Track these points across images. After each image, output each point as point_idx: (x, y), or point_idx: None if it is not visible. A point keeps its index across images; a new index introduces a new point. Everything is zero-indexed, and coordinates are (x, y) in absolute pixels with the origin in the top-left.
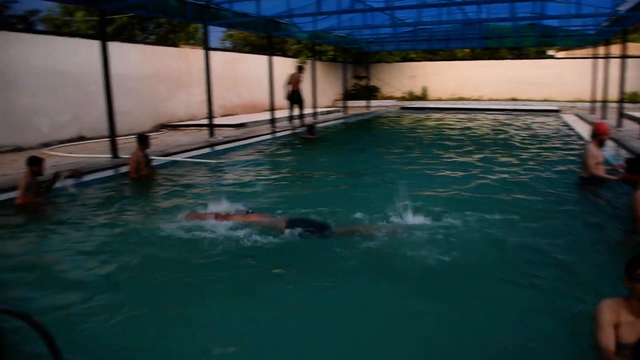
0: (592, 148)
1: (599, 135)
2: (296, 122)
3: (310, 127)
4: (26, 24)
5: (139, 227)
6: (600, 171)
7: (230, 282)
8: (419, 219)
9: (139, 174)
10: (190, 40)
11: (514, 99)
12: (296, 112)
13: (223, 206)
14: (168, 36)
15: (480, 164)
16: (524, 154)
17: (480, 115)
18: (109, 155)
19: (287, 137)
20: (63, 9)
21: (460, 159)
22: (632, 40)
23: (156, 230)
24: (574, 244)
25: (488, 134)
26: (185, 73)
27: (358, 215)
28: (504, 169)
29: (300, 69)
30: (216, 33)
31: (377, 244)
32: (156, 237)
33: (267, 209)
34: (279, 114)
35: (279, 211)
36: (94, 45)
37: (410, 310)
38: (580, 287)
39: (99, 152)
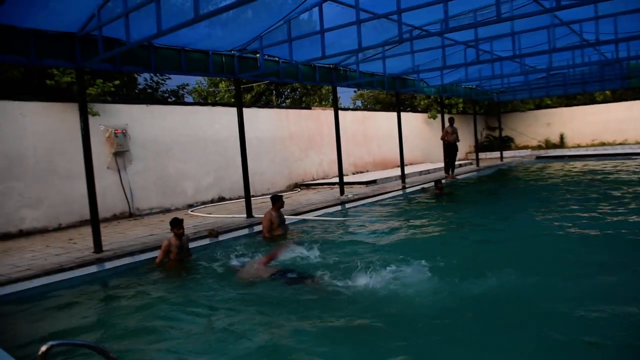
0: None
1: None
2: (451, 173)
3: (437, 182)
4: (176, 97)
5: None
6: None
7: None
8: None
9: (272, 234)
10: (323, 102)
11: None
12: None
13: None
14: (302, 99)
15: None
16: None
17: (624, 162)
18: (243, 215)
19: (417, 193)
20: (209, 81)
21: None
22: None
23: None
24: None
25: (623, 181)
26: (317, 133)
27: None
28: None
29: (451, 121)
30: (348, 93)
31: None
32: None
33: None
34: (409, 169)
35: None
36: (232, 112)
37: None
38: None
39: (235, 212)
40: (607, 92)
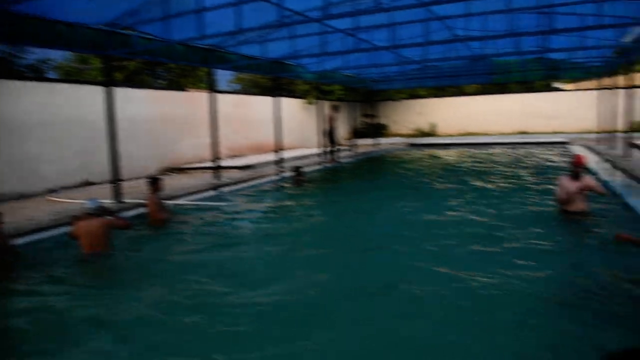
0: (563, 179)
1: (573, 168)
2: (333, 156)
3: (297, 170)
4: (37, 72)
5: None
6: (567, 200)
7: None
8: None
9: (158, 218)
10: (199, 83)
11: (523, 132)
12: (331, 148)
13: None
14: (178, 80)
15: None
16: (531, 185)
17: (487, 150)
18: (111, 201)
19: (290, 179)
20: (78, 56)
21: (461, 194)
22: (638, 71)
23: None
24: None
25: (494, 167)
26: (193, 116)
27: None
28: (502, 201)
29: (334, 108)
30: (225, 76)
31: None
32: None
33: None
34: (285, 154)
35: None
36: (102, 91)
37: None
38: None
39: (102, 197)
40: (476, 85)
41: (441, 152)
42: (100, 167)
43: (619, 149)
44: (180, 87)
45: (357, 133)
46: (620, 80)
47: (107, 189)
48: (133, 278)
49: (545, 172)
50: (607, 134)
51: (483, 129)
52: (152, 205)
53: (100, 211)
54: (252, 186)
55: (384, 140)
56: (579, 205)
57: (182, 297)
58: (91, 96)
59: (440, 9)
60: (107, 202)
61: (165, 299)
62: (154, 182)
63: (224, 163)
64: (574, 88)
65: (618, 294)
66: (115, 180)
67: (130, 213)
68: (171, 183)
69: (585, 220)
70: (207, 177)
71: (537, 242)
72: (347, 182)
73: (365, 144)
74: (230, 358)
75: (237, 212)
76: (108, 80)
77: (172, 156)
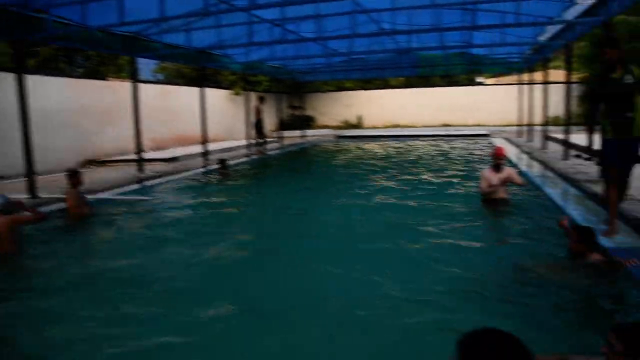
0: (486, 171)
1: (494, 160)
2: (260, 148)
3: (223, 162)
4: None
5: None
6: (490, 191)
7: None
8: None
9: (79, 213)
10: (121, 72)
11: (446, 125)
12: (258, 140)
13: None
14: (98, 69)
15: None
16: (454, 176)
17: (412, 142)
18: (25, 196)
19: (217, 171)
20: None
21: (386, 184)
22: (555, 68)
23: None
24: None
25: (419, 159)
26: (114, 106)
27: None
28: (425, 191)
29: (261, 99)
30: (148, 65)
31: None
32: None
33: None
34: (212, 146)
35: None
36: (12, 78)
37: None
38: None
39: (14, 192)
40: (401, 78)
41: (367, 145)
42: (12, 159)
43: (536, 142)
44: (100, 76)
45: (283, 125)
46: (538, 76)
47: (20, 183)
48: (40, 282)
49: (467, 163)
50: (526, 127)
51: (408, 121)
52: (72, 200)
53: (8, 207)
54: (177, 179)
55: (311, 132)
56: (500, 195)
57: (95, 306)
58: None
59: (367, 2)
60: (21, 197)
61: (74, 307)
62: (73, 175)
63: (147, 155)
64: (495, 82)
65: (530, 284)
66: (30, 173)
67: (48, 208)
68: (92, 176)
69: (506, 209)
70: (130, 170)
71: (459, 231)
72: (274, 174)
73: (292, 136)
74: None
75: (161, 207)
76: (19, 67)
77: (93, 148)
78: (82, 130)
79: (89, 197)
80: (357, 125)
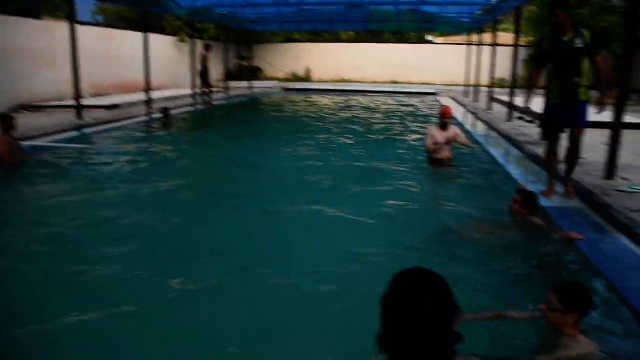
0: (432, 129)
1: (441, 118)
2: (206, 98)
3: (165, 112)
4: None
5: None
6: (435, 149)
7: None
8: None
9: (12, 159)
10: (57, 12)
11: (395, 82)
12: (203, 90)
13: None
14: (32, 8)
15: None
16: (400, 133)
17: (360, 98)
18: None
19: (160, 120)
20: None
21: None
22: (503, 30)
23: None
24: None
25: (367, 115)
26: (50, 48)
27: None
28: (372, 147)
29: (207, 47)
30: (88, 5)
31: None
32: None
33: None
34: (155, 94)
35: None
36: None
37: None
38: None
39: None
40: (352, 32)
41: (315, 98)
42: None
43: (482, 103)
44: (35, 15)
45: (230, 75)
46: (487, 37)
47: None
48: None
49: (414, 121)
50: (473, 88)
51: (357, 76)
52: (3, 146)
53: None
54: (117, 128)
55: (258, 84)
56: (445, 153)
57: (37, 246)
58: None
59: None
60: None
61: (16, 249)
62: (5, 120)
63: (87, 102)
64: (444, 42)
65: (469, 242)
66: None
67: None
68: (27, 122)
69: (451, 168)
70: (68, 117)
71: (402, 190)
72: (219, 126)
73: (239, 87)
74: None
75: (100, 155)
76: None
77: (27, 93)
78: (13, 72)
79: (23, 143)
80: (306, 79)
